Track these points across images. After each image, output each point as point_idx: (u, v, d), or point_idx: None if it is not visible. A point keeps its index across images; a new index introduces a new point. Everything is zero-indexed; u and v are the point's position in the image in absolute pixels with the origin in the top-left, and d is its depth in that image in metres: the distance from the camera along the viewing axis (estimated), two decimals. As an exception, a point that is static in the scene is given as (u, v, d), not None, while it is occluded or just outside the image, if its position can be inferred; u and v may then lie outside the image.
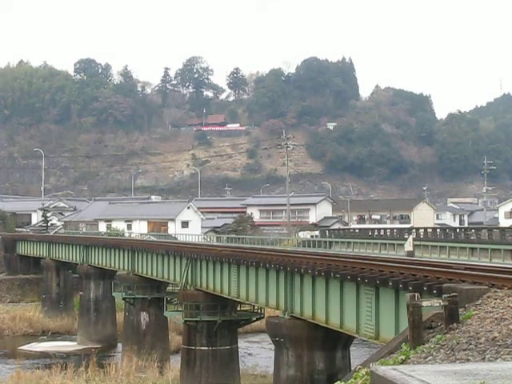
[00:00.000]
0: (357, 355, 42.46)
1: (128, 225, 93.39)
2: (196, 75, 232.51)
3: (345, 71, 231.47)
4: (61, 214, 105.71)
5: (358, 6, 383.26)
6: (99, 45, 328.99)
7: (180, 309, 41.24)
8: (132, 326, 50.03)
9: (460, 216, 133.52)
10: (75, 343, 58.80)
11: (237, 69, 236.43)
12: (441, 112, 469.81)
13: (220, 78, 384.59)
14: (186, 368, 39.02)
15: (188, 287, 39.85)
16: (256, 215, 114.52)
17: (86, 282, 60.63)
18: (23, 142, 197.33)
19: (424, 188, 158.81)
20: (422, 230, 56.03)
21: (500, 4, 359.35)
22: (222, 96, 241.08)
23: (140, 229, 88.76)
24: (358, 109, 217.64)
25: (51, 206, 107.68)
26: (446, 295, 13.16)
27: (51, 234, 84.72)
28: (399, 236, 54.69)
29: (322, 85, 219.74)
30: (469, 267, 19.03)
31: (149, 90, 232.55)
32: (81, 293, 61.87)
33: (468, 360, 9.93)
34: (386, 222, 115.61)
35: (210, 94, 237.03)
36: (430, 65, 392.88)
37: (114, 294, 56.13)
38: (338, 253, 36.12)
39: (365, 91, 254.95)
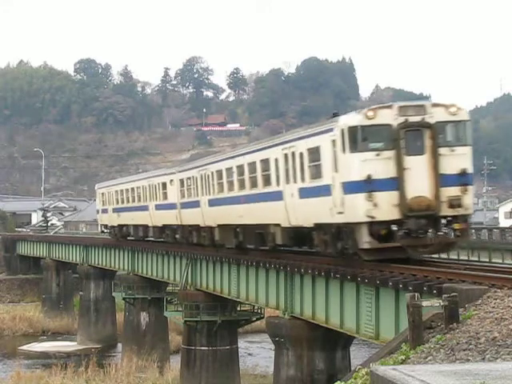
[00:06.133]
0: (357, 355, 42.44)
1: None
2: (196, 75, 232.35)
3: (345, 71, 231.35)
4: (61, 214, 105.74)
5: (358, 6, 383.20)
6: (99, 45, 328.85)
7: (180, 309, 41.22)
8: (132, 326, 50.02)
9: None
10: (75, 343, 58.81)
11: (237, 69, 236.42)
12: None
13: (220, 78, 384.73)
14: (185, 368, 39.03)
15: (188, 287, 39.83)
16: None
17: (86, 282, 60.62)
18: (23, 141, 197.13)
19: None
20: (422, 230, 56.01)
21: (500, 4, 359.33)
22: (222, 96, 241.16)
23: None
24: (358, 109, 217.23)
25: (51, 206, 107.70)
26: (446, 295, 13.18)
27: (51, 233, 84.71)
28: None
29: (322, 85, 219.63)
30: (469, 267, 19.06)
31: (149, 90, 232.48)
32: (81, 293, 61.87)
33: (468, 360, 9.94)
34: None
35: (209, 94, 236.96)
36: (430, 65, 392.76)
37: (114, 294, 56.14)
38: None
39: (365, 91, 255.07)
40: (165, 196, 39.93)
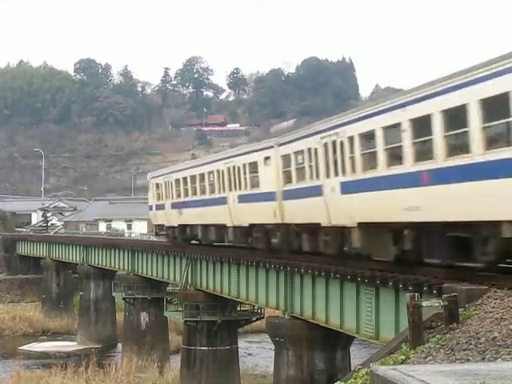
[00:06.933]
0: (357, 355, 42.45)
1: (128, 225, 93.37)
2: (196, 75, 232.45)
3: (345, 71, 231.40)
4: (61, 214, 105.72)
5: (358, 6, 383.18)
6: (99, 45, 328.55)
7: (180, 309, 41.24)
8: (132, 326, 50.05)
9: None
10: (75, 343, 58.84)
11: (237, 69, 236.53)
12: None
13: (220, 78, 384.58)
14: (185, 368, 39.04)
15: (188, 287, 39.82)
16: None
17: (86, 282, 60.66)
18: (23, 141, 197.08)
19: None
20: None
21: (501, 5, 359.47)
22: (222, 96, 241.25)
23: (140, 229, 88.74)
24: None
25: (51, 206, 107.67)
26: (446, 295, 13.17)
27: (51, 234, 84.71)
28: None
29: (322, 85, 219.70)
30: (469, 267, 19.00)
31: (149, 90, 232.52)
32: (81, 293, 61.89)
33: (468, 360, 9.93)
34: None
35: (210, 94, 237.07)
36: (430, 65, 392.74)
37: (114, 294, 56.20)
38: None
39: (365, 91, 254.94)
40: (255, 182, 28.28)
